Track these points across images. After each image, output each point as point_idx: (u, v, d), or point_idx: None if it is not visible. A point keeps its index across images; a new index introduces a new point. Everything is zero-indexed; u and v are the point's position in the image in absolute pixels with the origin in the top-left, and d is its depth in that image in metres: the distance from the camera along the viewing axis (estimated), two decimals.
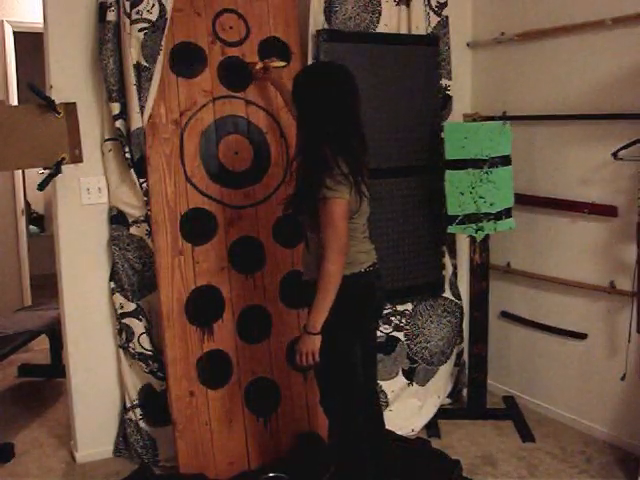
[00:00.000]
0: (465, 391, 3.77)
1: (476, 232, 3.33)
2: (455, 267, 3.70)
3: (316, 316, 2.27)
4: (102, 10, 2.89)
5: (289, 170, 3.04)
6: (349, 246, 2.29)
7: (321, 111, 2.30)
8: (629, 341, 3.07)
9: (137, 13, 2.85)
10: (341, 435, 2.46)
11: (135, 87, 2.86)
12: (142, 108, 2.87)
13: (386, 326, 3.45)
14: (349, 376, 2.42)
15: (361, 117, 2.38)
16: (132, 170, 2.93)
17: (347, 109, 2.32)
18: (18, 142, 2.77)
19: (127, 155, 2.93)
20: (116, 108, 2.92)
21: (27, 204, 6.04)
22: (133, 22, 2.85)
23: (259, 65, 3.03)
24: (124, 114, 2.93)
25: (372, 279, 2.44)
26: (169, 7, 2.90)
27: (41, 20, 3.01)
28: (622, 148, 2.95)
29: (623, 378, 3.11)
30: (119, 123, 2.93)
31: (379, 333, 3.40)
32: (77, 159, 2.93)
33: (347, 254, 2.27)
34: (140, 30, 2.86)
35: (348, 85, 2.33)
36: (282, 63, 3.04)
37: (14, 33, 4.75)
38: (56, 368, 4.26)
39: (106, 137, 3.03)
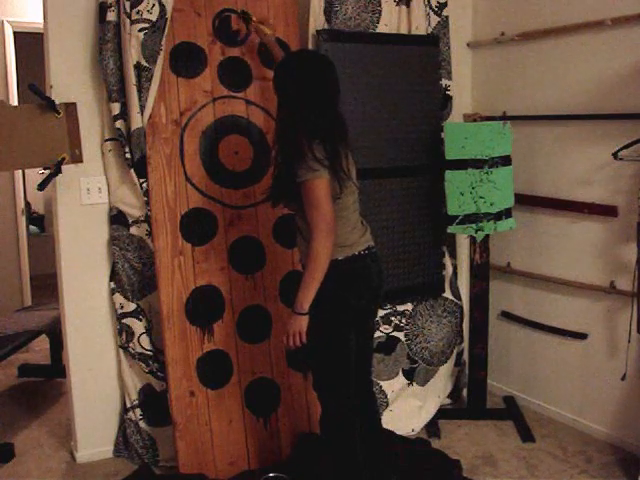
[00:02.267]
0: (465, 391, 3.77)
1: (476, 232, 3.33)
2: (455, 267, 3.70)
3: (303, 295, 2.25)
4: (102, 10, 2.89)
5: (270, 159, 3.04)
6: (336, 225, 2.27)
7: (296, 98, 2.32)
8: (629, 341, 3.07)
9: (137, 13, 2.85)
10: (333, 418, 2.46)
11: (135, 87, 2.86)
12: (142, 108, 2.87)
13: (386, 326, 3.45)
14: (343, 361, 2.42)
15: (339, 104, 2.39)
16: (132, 170, 2.93)
17: (322, 95, 2.33)
18: (18, 142, 2.77)
19: (127, 155, 2.93)
20: (116, 108, 2.92)
21: (27, 204, 6.04)
22: (133, 22, 2.85)
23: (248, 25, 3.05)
24: (124, 114, 2.93)
25: (368, 262, 2.43)
26: (169, 7, 2.90)
27: (41, 20, 3.01)
28: (622, 148, 2.95)
29: (623, 378, 3.11)
30: (119, 123, 2.93)
31: (379, 333, 3.40)
32: (77, 159, 2.93)
33: (337, 234, 2.26)
34: (140, 30, 2.86)
35: (324, 72, 2.35)
36: (269, 31, 3.03)
37: (14, 33, 4.75)
38: (56, 368, 4.27)
39: (106, 137, 3.03)
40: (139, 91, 2.87)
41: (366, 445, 2.52)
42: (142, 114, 2.87)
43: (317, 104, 2.31)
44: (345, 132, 2.40)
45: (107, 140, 3.03)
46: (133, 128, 2.88)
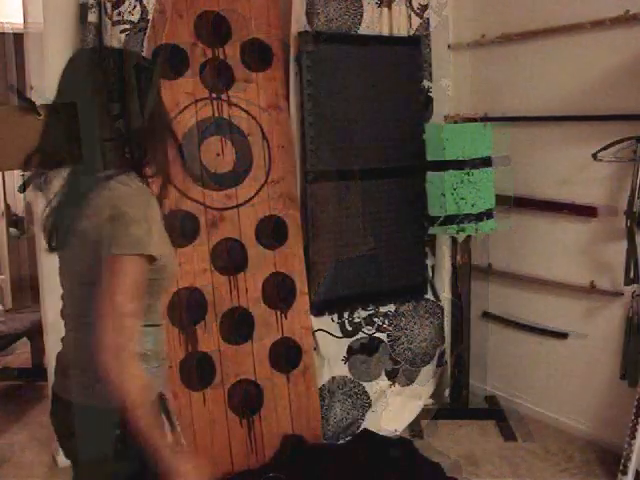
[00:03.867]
0: (447, 391, 3.78)
1: (457, 233, 3.35)
2: (437, 268, 3.71)
3: None
4: (83, 11, 2.87)
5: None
6: None
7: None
8: (628, 341, 3.08)
9: (118, 14, 2.84)
10: None
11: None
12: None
13: (369, 327, 3.45)
14: None
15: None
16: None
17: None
18: (12, 143, 2.75)
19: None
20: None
21: (7, 206, 5.98)
22: (115, 23, 2.83)
23: None
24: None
25: None
26: (150, 8, 2.89)
27: (40, 21, 2.98)
28: (601, 149, 2.98)
29: (623, 377, 3.11)
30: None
31: (362, 334, 3.41)
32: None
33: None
34: (122, 32, 2.84)
35: None
36: None
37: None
38: (37, 371, 4.22)
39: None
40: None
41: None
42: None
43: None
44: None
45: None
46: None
